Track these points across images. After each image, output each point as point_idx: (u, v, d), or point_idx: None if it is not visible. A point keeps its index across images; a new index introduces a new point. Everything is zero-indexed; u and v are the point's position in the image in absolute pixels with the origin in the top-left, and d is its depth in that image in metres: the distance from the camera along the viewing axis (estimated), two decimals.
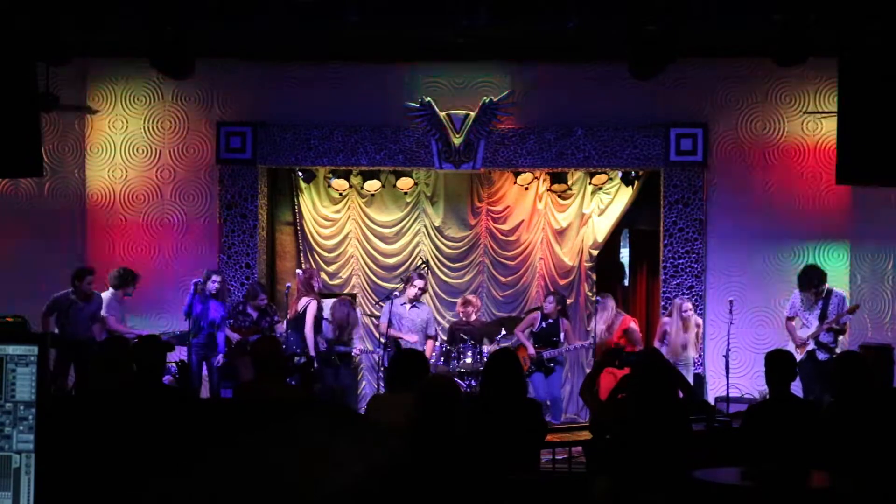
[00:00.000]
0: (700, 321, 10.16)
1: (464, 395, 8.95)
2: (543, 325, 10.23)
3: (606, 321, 10.09)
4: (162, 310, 10.82)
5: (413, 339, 9.93)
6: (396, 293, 10.30)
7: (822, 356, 9.32)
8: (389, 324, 10.06)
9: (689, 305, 9.89)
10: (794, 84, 10.47)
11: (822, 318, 9.39)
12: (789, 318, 9.66)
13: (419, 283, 10.17)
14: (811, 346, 9.37)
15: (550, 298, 10.31)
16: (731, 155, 10.64)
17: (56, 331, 9.55)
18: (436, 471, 3.85)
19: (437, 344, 10.33)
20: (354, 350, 10.20)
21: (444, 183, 11.71)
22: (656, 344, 9.91)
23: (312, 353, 9.74)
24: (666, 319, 10.04)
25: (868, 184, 9.37)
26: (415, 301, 10.18)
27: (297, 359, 9.55)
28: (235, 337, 9.88)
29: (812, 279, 9.47)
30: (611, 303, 10.22)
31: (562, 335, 10.21)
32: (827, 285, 9.51)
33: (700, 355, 10.30)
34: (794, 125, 10.58)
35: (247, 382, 7.34)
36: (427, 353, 9.81)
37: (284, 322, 10.17)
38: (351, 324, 10.15)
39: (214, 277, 9.88)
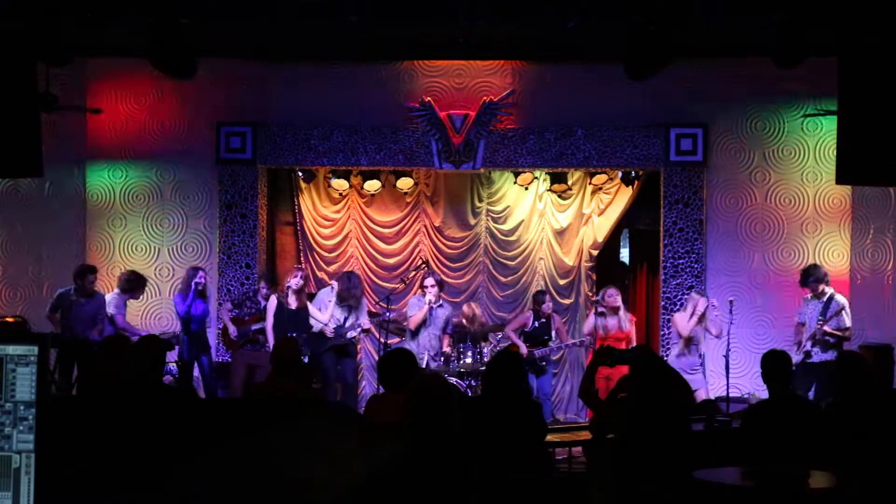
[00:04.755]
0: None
1: (462, 395, 8.99)
2: (537, 324, 10.19)
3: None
4: (161, 310, 10.84)
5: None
6: (399, 291, 10.28)
7: (816, 358, 9.29)
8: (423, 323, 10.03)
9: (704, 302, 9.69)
10: (794, 84, 10.45)
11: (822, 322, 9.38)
12: (800, 324, 9.60)
13: (429, 281, 10.10)
14: (808, 347, 9.34)
15: (546, 297, 10.30)
16: (731, 155, 10.63)
17: (58, 330, 9.58)
18: (432, 470, 3.85)
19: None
20: (360, 326, 9.93)
21: (444, 183, 11.71)
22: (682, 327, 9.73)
23: (270, 342, 9.58)
24: (685, 310, 9.87)
25: (868, 184, 9.37)
26: (437, 301, 10.10)
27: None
28: (233, 329, 9.83)
29: (809, 274, 9.50)
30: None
31: (553, 333, 10.17)
32: (829, 289, 9.49)
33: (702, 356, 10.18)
34: (794, 125, 10.58)
35: (261, 382, 7.35)
36: (445, 346, 10.01)
37: None
38: (353, 295, 9.97)
39: (200, 274, 9.91)
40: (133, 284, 10.02)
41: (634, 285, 12.07)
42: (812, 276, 9.49)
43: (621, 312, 9.90)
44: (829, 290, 9.47)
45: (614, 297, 9.88)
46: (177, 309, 9.96)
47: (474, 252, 11.78)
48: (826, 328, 9.27)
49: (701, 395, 9.48)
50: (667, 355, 10.27)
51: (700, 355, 9.60)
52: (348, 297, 9.95)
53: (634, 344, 10.03)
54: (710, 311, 9.57)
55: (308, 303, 9.98)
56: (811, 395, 9.22)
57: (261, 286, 10.03)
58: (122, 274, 10.17)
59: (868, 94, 7.25)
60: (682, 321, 9.56)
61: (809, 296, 9.55)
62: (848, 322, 9.40)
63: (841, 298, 9.50)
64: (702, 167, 10.61)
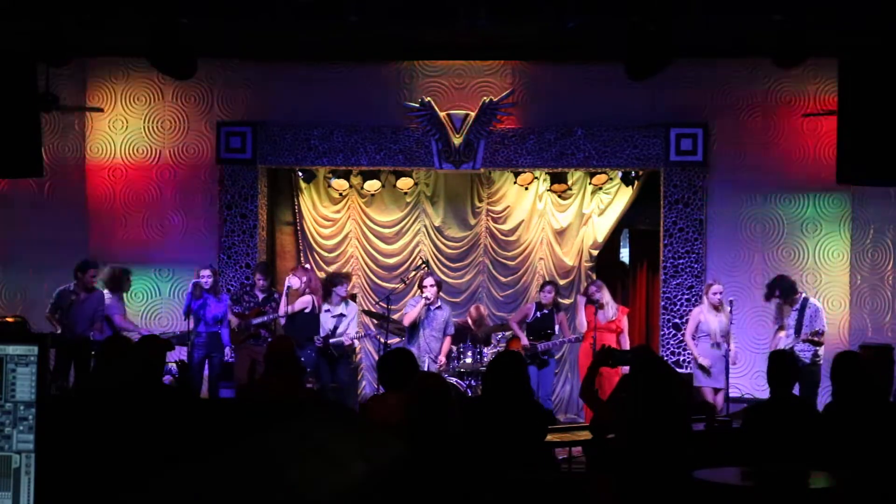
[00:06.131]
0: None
1: (462, 395, 8.99)
2: (538, 315, 10.13)
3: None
4: (161, 310, 10.84)
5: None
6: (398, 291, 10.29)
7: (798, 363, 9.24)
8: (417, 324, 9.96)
9: (717, 288, 9.66)
10: (794, 84, 10.47)
11: (798, 328, 9.29)
12: (779, 328, 9.57)
13: (429, 280, 10.05)
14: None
15: (549, 288, 10.20)
16: (731, 155, 10.63)
17: (58, 330, 9.58)
18: (432, 470, 3.85)
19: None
20: (346, 338, 10.00)
21: (444, 183, 11.71)
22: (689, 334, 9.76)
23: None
24: (699, 308, 9.87)
25: (868, 184, 9.38)
26: (435, 302, 10.07)
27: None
28: (237, 322, 9.89)
29: (772, 289, 9.49)
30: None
31: (556, 327, 10.14)
32: (802, 294, 9.46)
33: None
34: (794, 125, 10.58)
35: (256, 381, 7.35)
36: (444, 350, 9.88)
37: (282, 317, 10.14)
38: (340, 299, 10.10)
39: (203, 272, 9.92)
40: (116, 282, 10.03)
41: (634, 285, 12.07)
42: (776, 290, 9.45)
43: (608, 306, 9.94)
44: (801, 295, 9.44)
45: (595, 292, 9.95)
46: (183, 308, 10.02)
47: (474, 252, 11.78)
48: (805, 334, 9.22)
49: (708, 394, 9.43)
50: (667, 355, 10.29)
51: (724, 349, 9.55)
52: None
53: (626, 335, 10.07)
54: (717, 299, 9.59)
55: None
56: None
57: (257, 278, 10.07)
58: (104, 274, 10.05)
59: (868, 94, 7.26)
60: (695, 311, 9.73)
61: (779, 302, 9.49)
62: (819, 325, 9.27)
63: (815, 302, 9.47)
64: (702, 167, 10.61)
